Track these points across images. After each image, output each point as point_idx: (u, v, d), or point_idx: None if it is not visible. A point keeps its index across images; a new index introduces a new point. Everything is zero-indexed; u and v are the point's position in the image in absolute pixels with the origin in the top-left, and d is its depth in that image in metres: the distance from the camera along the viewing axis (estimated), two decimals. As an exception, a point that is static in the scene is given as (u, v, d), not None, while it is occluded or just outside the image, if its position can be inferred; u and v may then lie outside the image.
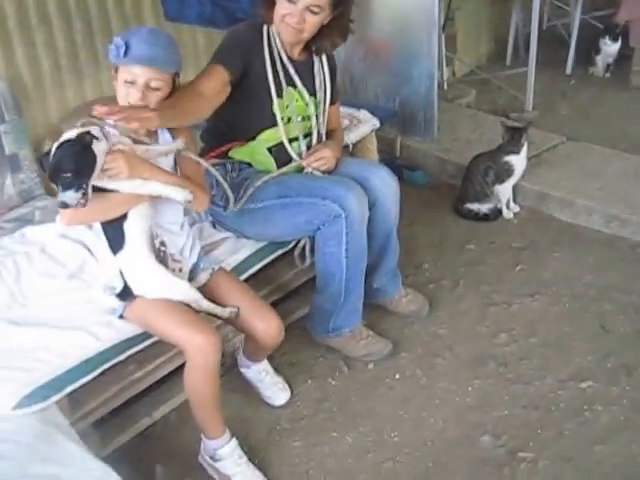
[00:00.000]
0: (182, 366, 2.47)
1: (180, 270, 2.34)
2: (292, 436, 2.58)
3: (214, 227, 2.87)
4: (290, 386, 2.76)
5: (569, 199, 3.64)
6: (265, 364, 2.69)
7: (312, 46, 2.74)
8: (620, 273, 3.27)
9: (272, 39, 2.67)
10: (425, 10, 3.70)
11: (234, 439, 2.37)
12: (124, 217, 2.18)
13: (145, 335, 2.35)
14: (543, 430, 2.53)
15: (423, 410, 2.65)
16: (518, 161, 3.60)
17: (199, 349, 2.17)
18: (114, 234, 2.20)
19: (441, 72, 4.95)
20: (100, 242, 2.25)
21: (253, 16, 2.82)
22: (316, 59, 2.80)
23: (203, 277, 2.43)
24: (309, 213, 2.62)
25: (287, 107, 2.70)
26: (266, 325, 2.39)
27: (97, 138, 2.04)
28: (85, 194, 2.00)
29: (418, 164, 4.16)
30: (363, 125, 3.42)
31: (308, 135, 2.82)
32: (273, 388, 2.71)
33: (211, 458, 2.38)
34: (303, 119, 2.78)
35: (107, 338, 2.28)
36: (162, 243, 2.29)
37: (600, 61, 5.28)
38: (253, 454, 2.46)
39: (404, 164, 4.07)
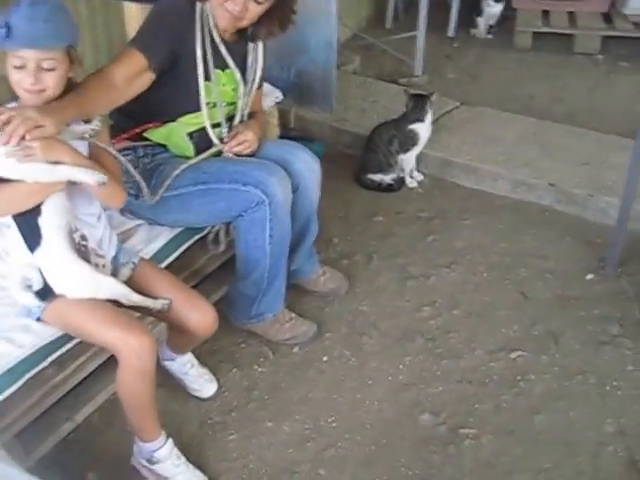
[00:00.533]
0: (102, 365, 2.38)
1: (103, 266, 2.22)
2: (225, 429, 2.54)
3: (121, 213, 2.74)
4: (215, 375, 2.71)
5: (473, 165, 3.75)
6: (190, 356, 2.63)
7: (247, 31, 2.62)
8: (532, 238, 3.40)
9: (205, 19, 2.51)
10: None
11: (170, 440, 2.31)
12: (38, 211, 2.03)
13: (67, 337, 2.24)
14: (480, 404, 2.60)
15: (357, 392, 2.67)
16: (423, 129, 3.66)
17: (134, 351, 2.08)
18: (29, 230, 2.05)
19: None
20: (13, 239, 2.09)
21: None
22: (250, 44, 2.69)
23: (125, 272, 2.32)
24: (229, 200, 2.55)
25: (213, 91, 2.59)
26: (200, 315, 2.32)
27: None
28: None
29: (313, 135, 4.14)
30: (265, 98, 3.35)
31: (230, 119, 2.73)
32: (199, 380, 2.65)
33: (148, 461, 2.30)
34: (228, 104, 2.68)
35: (27, 344, 2.16)
36: (83, 237, 2.16)
37: (482, 23, 5.44)
38: (187, 451, 2.39)
39: (300, 135, 4.04)
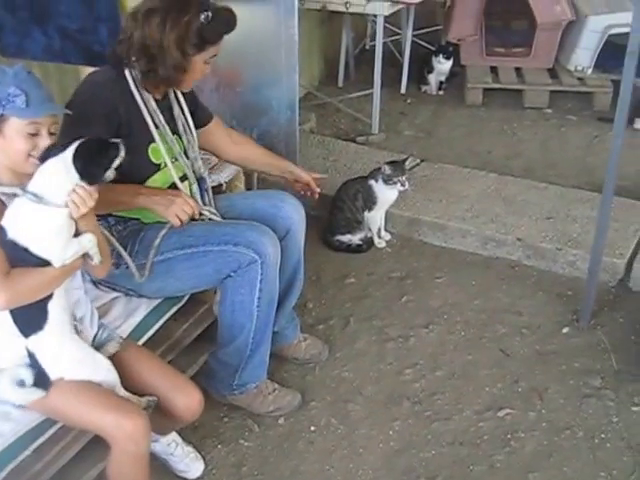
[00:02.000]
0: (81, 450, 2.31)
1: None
2: (217, 510, 2.51)
3: (96, 286, 2.71)
4: (200, 453, 2.67)
5: (441, 223, 3.82)
6: (174, 435, 2.59)
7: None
8: (505, 294, 3.47)
9: (137, 83, 2.52)
10: (284, 36, 3.70)
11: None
12: (49, 295, 2.02)
13: (49, 422, 2.19)
14: (475, 466, 2.63)
15: (349, 461, 2.66)
16: (383, 191, 3.70)
17: (129, 436, 2.04)
18: (32, 315, 2.02)
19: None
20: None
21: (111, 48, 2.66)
22: (172, 98, 2.70)
23: (111, 348, 2.29)
24: (218, 262, 2.55)
25: (162, 152, 2.59)
26: (187, 401, 2.29)
27: None
28: None
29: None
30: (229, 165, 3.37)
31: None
32: (185, 460, 2.61)
33: None
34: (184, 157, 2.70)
35: (8, 432, 2.10)
36: (75, 318, 2.15)
37: (433, 79, 5.58)
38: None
39: (265, 198, 4.06)
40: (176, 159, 2.65)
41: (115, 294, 2.69)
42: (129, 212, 2.62)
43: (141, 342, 2.63)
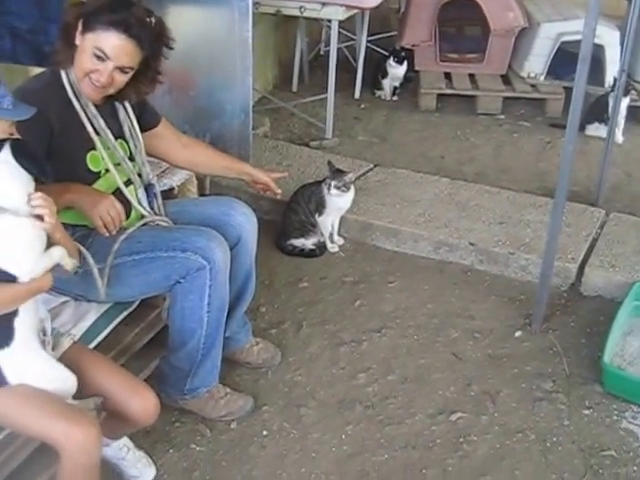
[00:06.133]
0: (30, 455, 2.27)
1: (48, 343, 2.18)
2: (167, 516, 2.49)
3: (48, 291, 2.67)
4: (151, 458, 2.64)
5: (394, 228, 3.84)
6: (125, 439, 2.56)
7: (114, 94, 2.58)
8: (457, 299, 3.51)
9: (75, 88, 2.49)
10: (238, 39, 3.69)
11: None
12: (14, 313, 1.99)
13: (-4, 428, 2.15)
14: (427, 469, 2.64)
15: (301, 466, 2.66)
16: (332, 199, 3.72)
17: (81, 446, 1.99)
18: None
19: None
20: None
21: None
22: (119, 105, 2.68)
23: (65, 343, 2.26)
24: (167, 268, 2.54)
25: (103, 158, 2.57)
26: (144, 404, 2.26)
27: None
28: None
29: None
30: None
31: (139, 175, 2.73)
32: (137, 465, 2.57)
33: None
34: (129, 160, 2.69)
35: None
36: (44, 332, 2.14)
37: (387, 84, 5.63)
38: None
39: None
40: (119, 164, 2.63)
41: (64, 298, 2.66)
42: (76, 219, 2.58)
43: (92, 345, 2.61)
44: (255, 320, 3.34)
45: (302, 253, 3.83)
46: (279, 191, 3.03)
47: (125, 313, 2.78)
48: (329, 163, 3.75)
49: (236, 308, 2.92)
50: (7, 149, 1.94)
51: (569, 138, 2.93)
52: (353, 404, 2.91)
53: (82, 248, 2.36)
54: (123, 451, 2.56)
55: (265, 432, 2.79)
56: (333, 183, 3.66)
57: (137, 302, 2.80)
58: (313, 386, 3.00)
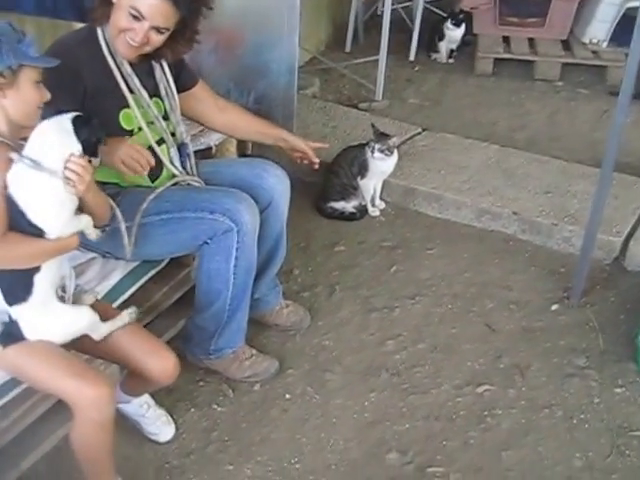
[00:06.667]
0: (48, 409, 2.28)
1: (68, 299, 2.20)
2: (184, 474, 2.48)
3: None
4: (172, 416, 2.65)
5: (436, 194, 3.74)
6: (146, 397, 2.56)
7: (150, 53, 2.54)
8: (496, 268, 3.41)
9: (110, 45, 2.47)
10: (285, -4, 3.62)
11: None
12: (37, 268, 2.01)
13: (14, 382, 2.16)
14: (448, 441, 2.58)
15: (321, 431, 2.63)
16: (375, 163, 3.64)
17: (92, 403, 2.01)
18: (17, 285, 2.01)
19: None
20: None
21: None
22: (155, 63, 2.64)
23: (87, 300, 2.26)
24: (194, 229, 2.52)
25: (136, 117, 2.54)
26: (163, 364, 2.26)
27: None
28: None
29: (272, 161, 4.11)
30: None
31: (173, 134, 2.70)
32: (157, 423, 2.58)
33: None
34: (163, 119, 2.65)
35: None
36: (63, 288, 2.15)
37: (444, 47, 5.46)
38: (143, 499, 2.35)
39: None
40: (152, 123, 2.60)
41: (92, 255, 2.66)
42: (106, 176, 2.57)
43: (116, 304, 2.61)
44: (288, 283, 3.30)
45: (342, 216, 3.76)
46: (317, 160, 2.96)
47: (153, 272, 2.77)
48: (373, 126, 3.66)
49: (266, 270, 2.89)
50: (68, 116, 1.99)
51: (621, 106, 2.78)
52: (379, 371, 2.86)
53: (113, 204, 2.34)
54: (143, 408, 2.57)
55: (288, 395, 2.77)
56: (377, 146, 3.58)
57: (165, 261, 2.79)
58: (340, 351, 2.96)
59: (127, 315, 2.25)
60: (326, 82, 5.13)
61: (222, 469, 2.49)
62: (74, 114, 2.01)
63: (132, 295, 2.70)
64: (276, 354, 2.91)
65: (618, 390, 2.77)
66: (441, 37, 5.42)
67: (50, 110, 2.07)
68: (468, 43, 5.51)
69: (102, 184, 2.54)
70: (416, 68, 5.46)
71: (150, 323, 2.86)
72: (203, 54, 3.90)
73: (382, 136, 3.61)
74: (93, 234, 2.13)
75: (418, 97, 5.02)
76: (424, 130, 4.36)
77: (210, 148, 3.24)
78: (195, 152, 3.16)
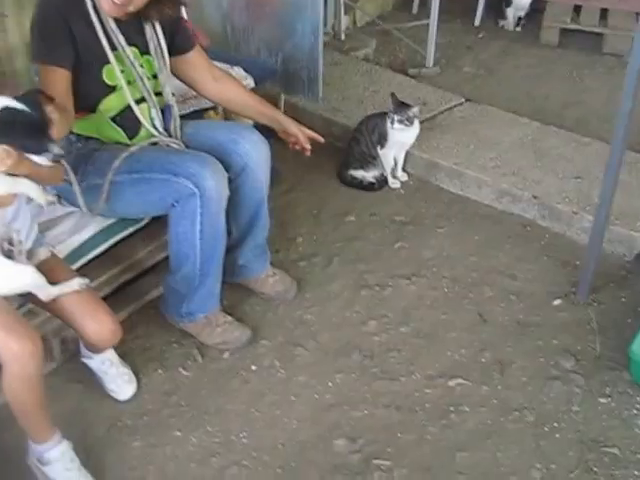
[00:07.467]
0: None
1: (20, 252, 2.16)
2: (133, 434, 2.44)
3: (59, 201, 2.64)
4: (138, 375, 2.62)
5: (458, 170, 3.54)
6: (110, 353, 2.53)
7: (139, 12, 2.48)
8: (505, 254, 3.20)
9: (95, 2, 2.41)
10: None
11: (65, 442, 2.22)
12: None
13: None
14: (403, 434, 2.44)
15: (277, 408, 2.53)
16: (394, 133, 3.46)
17: (15, 357, 1.99)
18: None
19: (339, 21, 4.77)
20: None
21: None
22: (146, 21, 2.57)
23: (42, 254, 2.25)
24: (161, 190, 2.46)
25: (123, 71, 2.50)
26: (98, 329, 2.24)
27: None
28: None
29: (303, 124, 3.96)
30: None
31: (158, 94, 2.65)
32: (117, 381, 2.55)
33: (38, 461, 2.23)
34: (149, 78, 2.60)
35: None
36: (10, 242, 2.11)
37: (511, 14, 5.17)
38: (88, 454, 2.33)
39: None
40: (133, 81, 2.54)
41: (72, 209, 2.64)
42: (87, 129, 2.56)
43: (86, 259, 2.62)
44: (288, 250, 3.22)
45: (361, 185, 3.62)
46: (308, 147, 2.85)
47: (131, 229, 2.77)
48: (392, 95, 3.47)
49: (246, 238, 2.82)
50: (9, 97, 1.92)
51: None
52: (352, 351, 2.74)
53: (65, 164, 2.30)
54: (106, 365, 2.54)
55: (254, 367, 2.68)
56: (396, 117, 3.40)
57: (145, 221, 2.78)
58: (319, 326, 2.85)
59: (77, 283, 2.22)
60: (383, 45, 4.95)
61: (170, 434, 2.44)
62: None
63: (115, 248, 2.72)
64: (254, 323, 2.83)
65: (603, 400, 2.55)
66: (508, 3, 5.12)
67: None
68: (538, 11, 5.17)
69: (85, 139, 2.55)
70: (480, 35, 5.18)
71: (134, 281, 2.86)
72: (235, 11, 3.82)
73: (402, 106, 3.42)
74: (42, 198, 2.06)
75: (474, 65, 4.78)
76: (467, 101, 4.13)
77: (215, 107, 3.13)
78: (199, 111, 3.09)
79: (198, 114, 3.07)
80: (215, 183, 2.44)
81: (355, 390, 2.59)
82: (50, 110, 1.98)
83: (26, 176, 1.99)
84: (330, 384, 2.61)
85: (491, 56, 4.90)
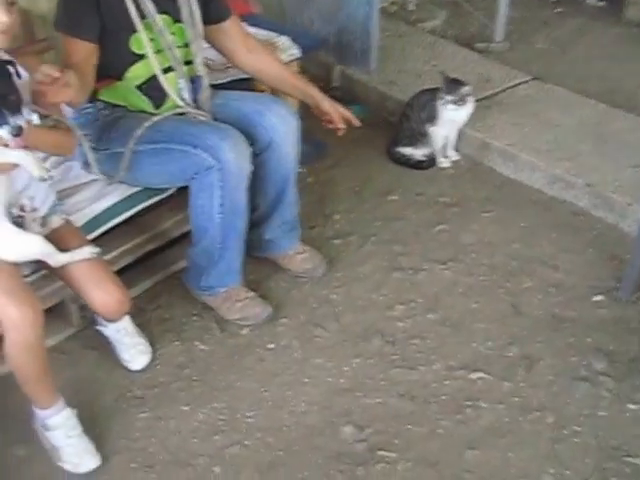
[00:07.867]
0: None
1: (33, 220, 2.17)
2: (140, 405, 2.42)
3: (84, 167, 2.62)
4: (155, 345, 2.59)
5: (511, 152, 3.36)
6: (126, 322, 2.50)
7: None
8: (550, 243, 3.02)
9: None
10: None
11: (68, 409, 2.21)
12: None
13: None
14: (414, 426, 2.33)
15: (289, 389, 2.47)
16: (445, 111, 3.31)
17: (14, 324, 1.99)
18: None
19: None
20: None
21: None
22: None
23: (55, 222, 2.25)
24: (181, 162, 2.42)
25: (152, 40, 2.45)
26: (105, 299, 2.24)
27: None
28: None
29: (357, 97, 3.86)
30: (280, 54, 3.11)
31: (188, 62, 2.59)
32: (131, 351, 2.53)
33: (42, 427, 2.23)
34: (180, 47, 2.54)
35: None
36: (22, 208, 2.12)
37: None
38: (94, 423, 2.31)
39: (338, 96, 3.76)
40: (162, 50, 2.48)
41: (96, 176, 2.61)
42: (116, 98, 2.54)
43: (107, 227, 2.59)
44: (324, 227, 3.14)
45: (409, 163, 3.49)
46: (342, 126, 2.72)
47: (156, 199, 2.71)
48: (442, 73, 3.31)
49: (273, 214, 2.76)
50: None
51: None
52: (374, 336, 2.64)
53: (78, 132, 2.27)
54: (120, 334, 2.52)
55: (271, 345, 2.62)
56: (447, 97, 3.26)
57: (172, 190, 2.71)
58: (343, 308, 2.75)
59: (87, 252, 2.20)
60: (453, 17, 4.75)
61: (177, 408, 2.40)
62: None
63: (142, 217, 2.69)
64: (278, 300, 2.76)
65: (632, 406, 2.38)
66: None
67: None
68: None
69: (112, 106, 2.53)
70: (558, 9, 4.92)
71: (161, 250, 2.83)
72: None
73: (454, 84, 3.27)
74: (36, 171, 1.99)
75: (547, 42, 4.53)
76: (533, 79, 3.92)
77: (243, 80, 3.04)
78: (244, 79, 3.00)
79: (246, 83, 2.96)
80: (235, 156, 2.37)
81: (371, 377, 2.49)
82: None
83: (25, 146, 1.95)
84: (346, 368, 2.52)
85: (566, 32, 4.63)
